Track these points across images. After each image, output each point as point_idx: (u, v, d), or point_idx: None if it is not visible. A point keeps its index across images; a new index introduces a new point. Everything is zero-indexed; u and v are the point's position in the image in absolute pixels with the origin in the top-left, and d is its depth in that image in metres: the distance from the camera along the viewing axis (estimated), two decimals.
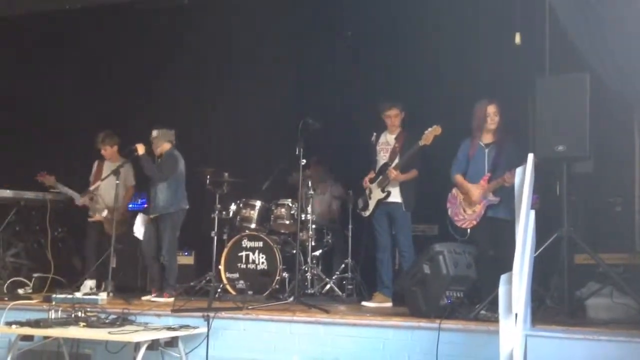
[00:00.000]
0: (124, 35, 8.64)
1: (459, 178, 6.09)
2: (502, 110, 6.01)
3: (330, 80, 8.10)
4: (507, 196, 5.57)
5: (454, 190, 6.14)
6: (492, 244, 5.85)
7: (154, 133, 7.18)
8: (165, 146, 7.18)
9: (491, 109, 5.98)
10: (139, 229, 7.27)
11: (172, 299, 6.61)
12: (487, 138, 6.05)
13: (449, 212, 6.12)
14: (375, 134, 6.86)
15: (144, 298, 6.87)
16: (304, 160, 6.49)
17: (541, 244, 5.05)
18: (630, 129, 5.91)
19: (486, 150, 6.02)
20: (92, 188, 7.62)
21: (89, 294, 6.55)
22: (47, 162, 8.00)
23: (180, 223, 7.13)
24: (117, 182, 7.27)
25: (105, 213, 7.51)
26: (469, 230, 5.97)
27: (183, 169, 7.18)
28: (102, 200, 7.56)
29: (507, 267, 4.19)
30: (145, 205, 7.89)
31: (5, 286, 7.31)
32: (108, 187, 7.56)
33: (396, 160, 6.61)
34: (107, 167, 7.70)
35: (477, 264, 5.67)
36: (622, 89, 5.19)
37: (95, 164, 7.85)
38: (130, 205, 8.03)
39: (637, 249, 5.75)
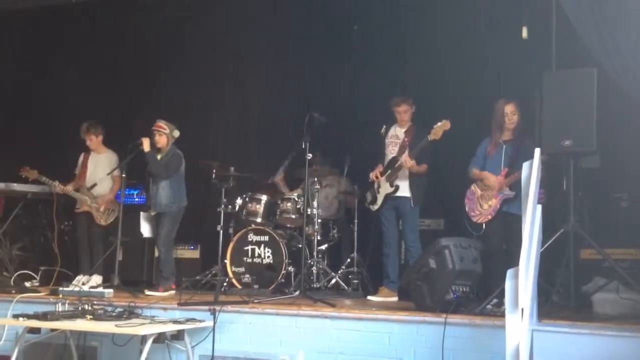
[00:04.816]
0: (128, 29, 8.63)
1: (476, 171, 6.11)
2: (521, 109, 6.01)
3: (338, 75, 8.07)
4: (521, 192, 5.57)
5: (473, 187, 6.13)
6: (505, 239, 5.89)
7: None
8: (170, 142, 7.17)
9: (509, 109, 5.99)
10: (145, 227, 7.26)
11: (166, 293, 6.68)
12: (506, 136, 6.07)
13: (466, 208, 6.12)
14: (384, 126, 6.86)
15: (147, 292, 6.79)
16: (310, 155, 6.49)
17: (547, 238, 5.06)
18: (637, 125, 5.90)
19: (504, 147, 6.04)
20: (89, 185, 7.51)
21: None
22: (47, 159, 7.96)
23: (180, 219, 7.13)
24: (124, 175, 7.24)
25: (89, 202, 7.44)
26: (484, 225, 5.97)
27: (183, 167, 7.19)
28: (92, 193, 7.50)
29: (518, 261, 4.19)
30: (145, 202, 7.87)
31: (13, 279, 7.32)
32: (97, 179, 7.52)
33: (406, 153, 6.59)
34: (93, 158, 7.65)
35: (489, 259, 5.69)
36: (629, 84, 5.16)
37: (81, 156, 7.73)
38: (137, 199, 8.04)
39: None
